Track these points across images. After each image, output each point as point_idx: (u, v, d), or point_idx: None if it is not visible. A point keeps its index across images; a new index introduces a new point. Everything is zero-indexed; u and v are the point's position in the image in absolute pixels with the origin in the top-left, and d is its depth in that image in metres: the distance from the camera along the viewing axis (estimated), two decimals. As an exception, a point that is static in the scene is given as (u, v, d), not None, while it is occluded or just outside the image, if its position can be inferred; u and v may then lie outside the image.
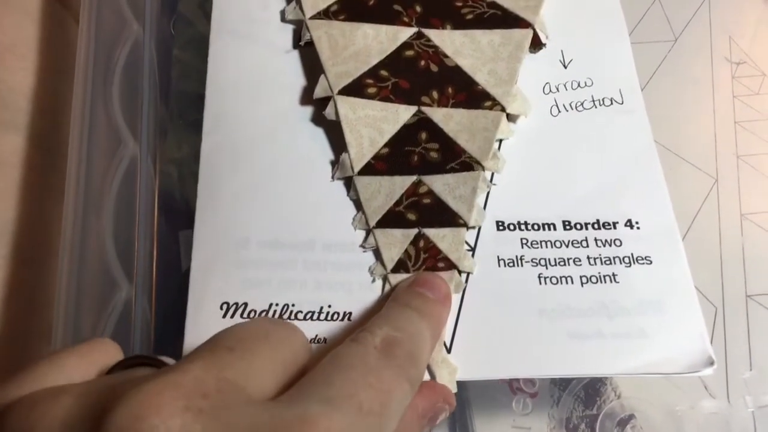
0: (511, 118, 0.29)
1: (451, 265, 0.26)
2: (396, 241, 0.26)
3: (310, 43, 0.29)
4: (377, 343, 0.22)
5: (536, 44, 0.31)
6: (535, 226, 0.27)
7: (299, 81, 0.29)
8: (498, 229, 0.27)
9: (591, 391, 0.30)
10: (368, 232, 0.26)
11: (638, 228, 0.27)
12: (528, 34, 0.30)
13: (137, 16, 0.32)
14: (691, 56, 0.38)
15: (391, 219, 0.26)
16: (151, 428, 0.16)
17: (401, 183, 0.27)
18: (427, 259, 0.26)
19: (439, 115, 0.28)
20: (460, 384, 0.24)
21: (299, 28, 0.30)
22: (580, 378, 0.30)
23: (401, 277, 0.26)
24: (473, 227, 0.27)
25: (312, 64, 0.29)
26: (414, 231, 0.26)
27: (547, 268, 0.26)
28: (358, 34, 0.29)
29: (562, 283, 0.26)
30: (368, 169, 0.27)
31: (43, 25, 0.33)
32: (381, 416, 0.19)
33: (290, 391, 0.19)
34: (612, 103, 0.30)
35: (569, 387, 0.30)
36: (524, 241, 0.27)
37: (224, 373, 0.18)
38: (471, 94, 0.29)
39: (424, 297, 0.25)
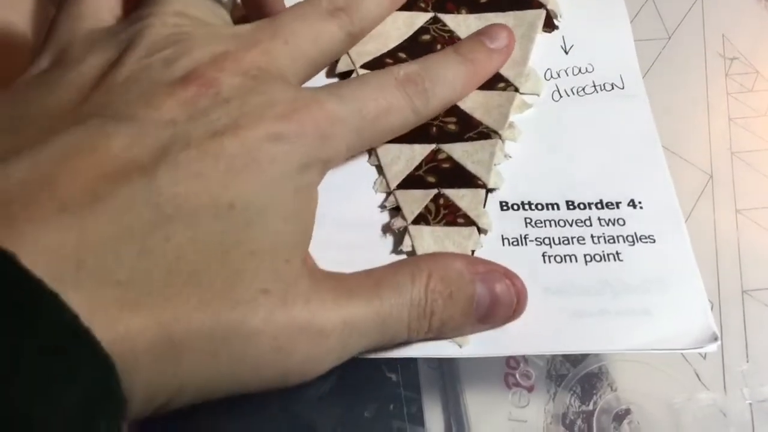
0: (524, 95, 0.31)
1: (470, 222, 0.28)
2: (416, 199, 0.28)
3: None
4: (400, 75, 0.28)
5: (550, 25, 0.33)
6: (539, 206, 0.29)
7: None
8: (502, 209, 0.29)
9: (587, 385, 0.31)
10: (388, 194, 0.29)
11: (641, 208, 0.29)
12: (541, 14, 0.33)
13: None
14: (684, 53, 0.40)
15: (412, 181, 0.28)
16: (213, 80, 0.23)
17: (421, 150, 0.29)
18: (447, 215, 0.27)
19: None
20: (455, 377, 0.26)
21: None
22: (576, 372, 0.32)
23: (422, 228, 0.27)
24: (492, 189, 0.29)
25: None
26: (434, 191, 0.28)
27: (551, 246, 0.28)
28: None
29: (566, 261, 0.27)
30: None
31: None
32: (374, 123, 0.27)
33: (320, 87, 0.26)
34: (613, 88, 0.32)
35: (565, 381, 0.32)
36: (528, 221, 0.28)
37: (277, 60, 0.26)
38: None
39: (479, 44, 0.31)
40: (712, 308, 0.32)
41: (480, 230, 0.28)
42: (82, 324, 0.17)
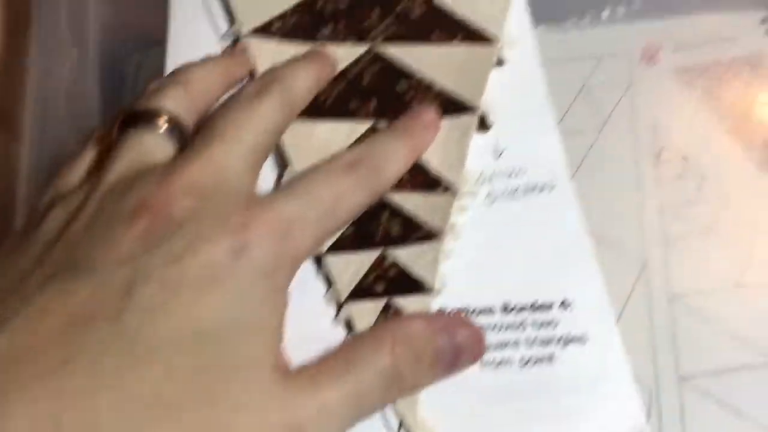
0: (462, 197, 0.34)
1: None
2: (368, 311, 0.30)
3: None
4: (346, 160, 0.30)
5: (483, 126, 0.36)
6: (476, 311, 0.30)
7: (269, 174, 0.34)
8: None
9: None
10: (340, 306, 0.30)
11: (572, 308, 0.31)
12: (474, 118, 0.35)
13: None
14: (616, 143, 0.43)
15: (362, 292, 0.30)
16: (164, 206, 0.25)
17: (368, 257, 0.31)
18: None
19: (397, 197, 0.33)
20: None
21: None
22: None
23: None
24: (438, 291, 0.31)
25: (278, 158, 0.34)
26: (383, 301, 0.30)
27: (487, 352, 0.29)
28: (318, 129, 0.34)
29: (502, 366, 0.29)
30: (336, 247, 0.31)
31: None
32: (331, 211, 0.28)
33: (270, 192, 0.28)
34: (543, 189, 0.34)
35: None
36: (464, 327, 0.30)
37: (221, 163, 0.27)
38: (425, 179, 0.33)
39: (410, 121, 0.34)
40: (650, 396, 0.34)
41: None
42: None
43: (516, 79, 0.37)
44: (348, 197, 0.29)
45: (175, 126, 0.29)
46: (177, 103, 0.30)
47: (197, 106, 0.31)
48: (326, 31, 0.37)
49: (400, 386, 0.26)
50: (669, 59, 0.47)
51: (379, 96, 0.36)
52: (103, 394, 0.21)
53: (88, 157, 0.30)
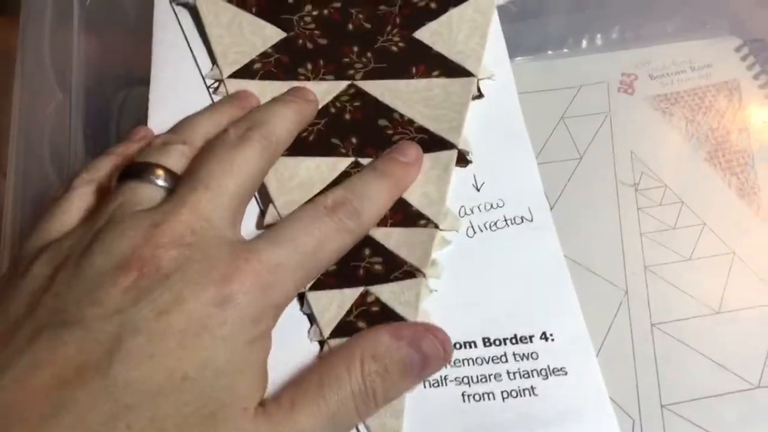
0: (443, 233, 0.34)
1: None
2: None
3: None
4: (328, 203, 0.30)
5: (462, 161, 0.36)
6: (457, 345, 0.31)
7: (251, 209, 0.34)
8: None
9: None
10: (322, 343, 0.31)
11: (552, 340, 0.31)
12: (453, 154, 0.36)
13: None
14: (596, 172, 0.43)
15: (344, 328, 0.31)
16: (151, 259, 0.25)
17: (351, 294, 0.32)
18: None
19: (379, 234, 0.33)
20: None
21: None
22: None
23: None
24: None
25: (262, 195, 0.35)
26: None
27: (470, 385, 0.30)
28: (301, 166, 0.35)
29: (484, 399, 0.30)
30: (319, 284, 0.32)
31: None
32: (313, 255, 0.29)
33: (253, 239, 0.29)
34: (523, 221, 0.34)
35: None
36: (447, 361, 0.30)
37: (205, 212, 0.28)
38: (407, 215, 0.34)
39: (392, 160, 0.34)
40: (633, 425, 0.35)
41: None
42: None
43: (494, 113, 0.38)
44: (330, 242, 0.30)
45: (170, 178, 0.30)
46: (178, 161, 0.31)
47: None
48: (307, 68, 0.38)
49: (373, 402, 0.27)
50: (646, 87, 0.48)
51: (360, 131, 0.36)
52: None
53: (76, 202, 0.31)
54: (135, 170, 0.30)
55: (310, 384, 0.27)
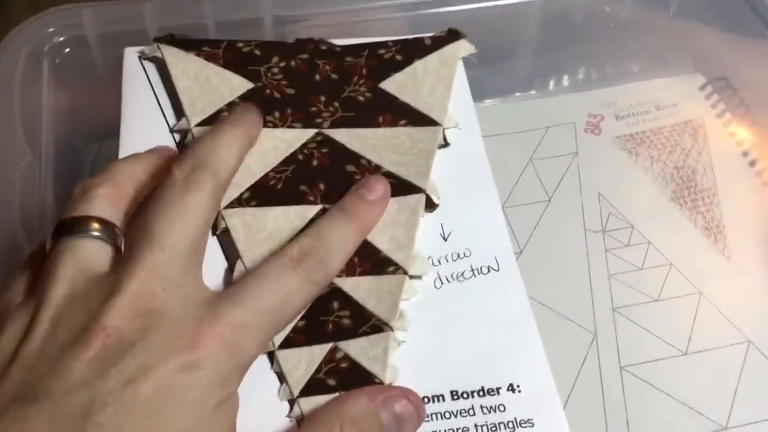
0: (413, 278, 0.34)
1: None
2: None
3: (226, 231, 0.34)
4: (294, 254, 0.31)
5: (430, 205, 0.37)
6: (426, 399, 0.31)
7: (220, 264, 0.34)
8: None
9: None
10: (292, 402, 0.31)
11: (520, 391, 0.31)
12: (421, 198, 0.36)
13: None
14: (564, 214, 0.44)
15: (314, 387, 0.31)
16: (113, 329, 0.26)
17: (320, 351, 0.32)
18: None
19: (348, 284, 0.33)
20: None
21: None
22: None
23: None
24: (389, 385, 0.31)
25: (229, 249, 0.35)
26: (335, 395, 0.31)
27: (439, 440, 0.30)
28: (269, 216, 0.35)
29: (453, 453, 0.30)
30: (288, 342, 0.32)
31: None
32: (279, 311, 0.29)
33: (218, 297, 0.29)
34: (489, 271, 0.35)
35: None
36: (416, 415, 0.31)
37: (164, 273, 0.28)
38: (375, 262, 0.34)
39: (360, 198, 0.35)
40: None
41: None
42: None
43: (460, 161, 0.38)
44: (296, 295, 0.30)
45: (106, 228, 0.30)
46: (106, 206, 0.30)
47: (125, 203, 0.32)
48: (275, 116, 0.39)
49: None
50: (612, 128, 0.49)
51: (328, 177, 0.37)
52: None
53: (25, 271, 0.30)
54: (68, 226, 0.30)
55: None
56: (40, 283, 0.28)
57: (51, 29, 0.44)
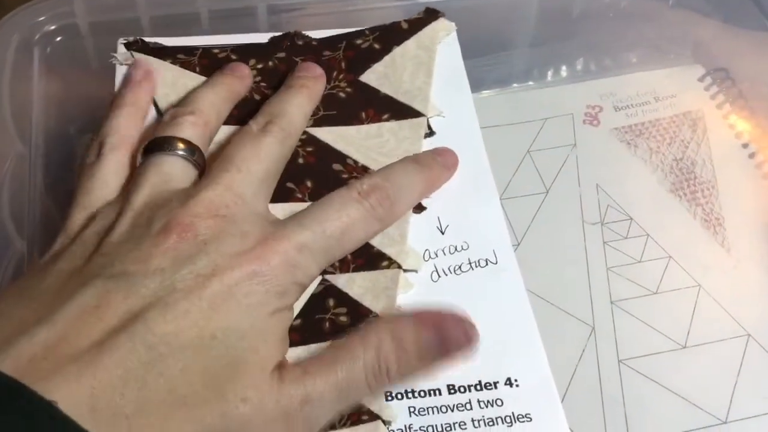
0: (407, 272, 0.34)
1: (374, 417, 0.30)
2: None
3: None
4: (363, 188, 0.33)
5: (419, 207, 0.36)
6: (422, 393, 0.31)
7: None
8: (387, 400, 0.31)
9: None
10: None
11: (517, 386, 0.31)
12: None
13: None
14: (562, 206, 0.44)
15: None
16: (189, 225, 0.29)
17: (316, 350, 0.31)
18: (351, 416, 0.30)
19: (342, 280, 0.34)
20: None
21: None
22: None
23: None
24: None
25: None
26: None
27: (436, 435, 0.30)
28: None
29: (450, 448, 0.30)
30: None
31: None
32: (340, 240, 0.32)
33: (284, 220, 0.32)
34: (487, 264, 0.35)
35: None
36: (412, 410, 0.31)
37: (238, 190, 0.31)
38: (368, 257, 0.34)
39: (434, 157, 0.37)
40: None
41: (384, 422, 0.30)
42: None
43: (458, 154, 0.38)
44: (357, 226, 0.32)
45: (191, 150, 0.33)
46: (192, 131, 0.34)
47: (210, 129, 0.36)
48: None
49: (386, 377, 0.28)
50: (611, 119, 0.48)
51: (315, 175, 0.37)
52: (130, 384, 0.25)
53: (110, 174, 0.33)
54: (157, 145, 0.33)
55: (326, 357, 0.29)
56: (126, 191, 0.32)
57: (42, 18, 0.44)
